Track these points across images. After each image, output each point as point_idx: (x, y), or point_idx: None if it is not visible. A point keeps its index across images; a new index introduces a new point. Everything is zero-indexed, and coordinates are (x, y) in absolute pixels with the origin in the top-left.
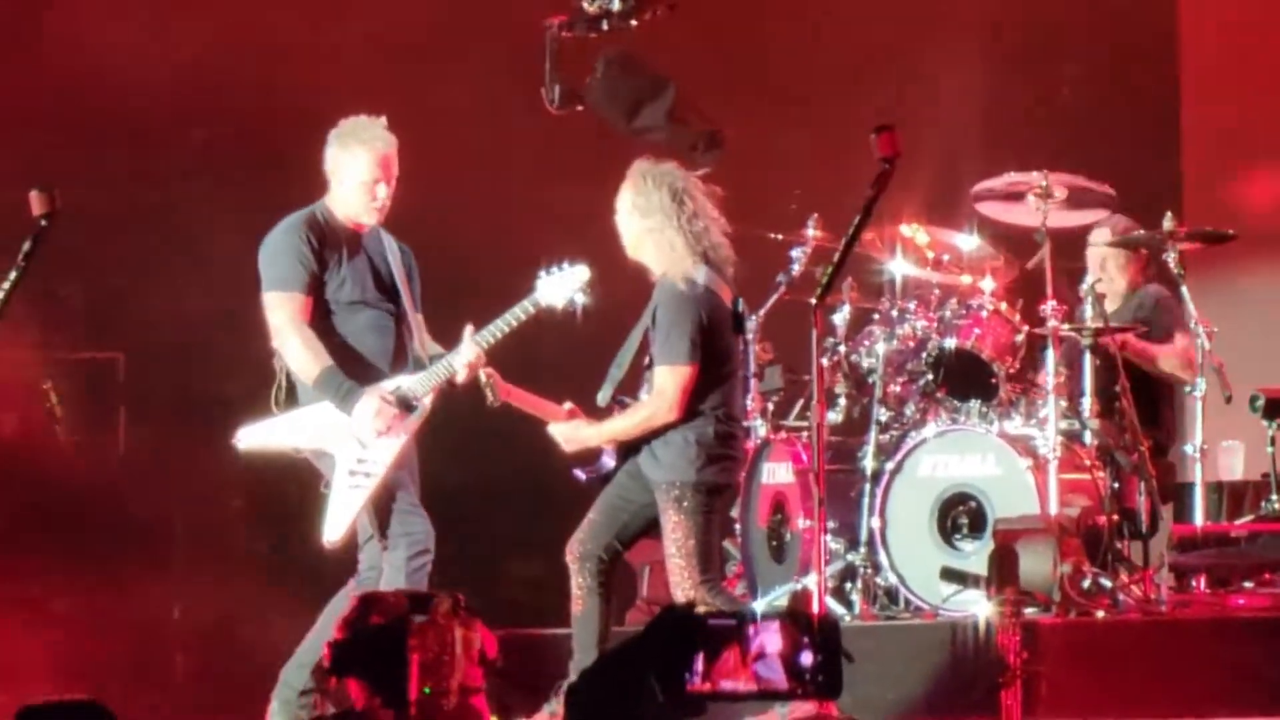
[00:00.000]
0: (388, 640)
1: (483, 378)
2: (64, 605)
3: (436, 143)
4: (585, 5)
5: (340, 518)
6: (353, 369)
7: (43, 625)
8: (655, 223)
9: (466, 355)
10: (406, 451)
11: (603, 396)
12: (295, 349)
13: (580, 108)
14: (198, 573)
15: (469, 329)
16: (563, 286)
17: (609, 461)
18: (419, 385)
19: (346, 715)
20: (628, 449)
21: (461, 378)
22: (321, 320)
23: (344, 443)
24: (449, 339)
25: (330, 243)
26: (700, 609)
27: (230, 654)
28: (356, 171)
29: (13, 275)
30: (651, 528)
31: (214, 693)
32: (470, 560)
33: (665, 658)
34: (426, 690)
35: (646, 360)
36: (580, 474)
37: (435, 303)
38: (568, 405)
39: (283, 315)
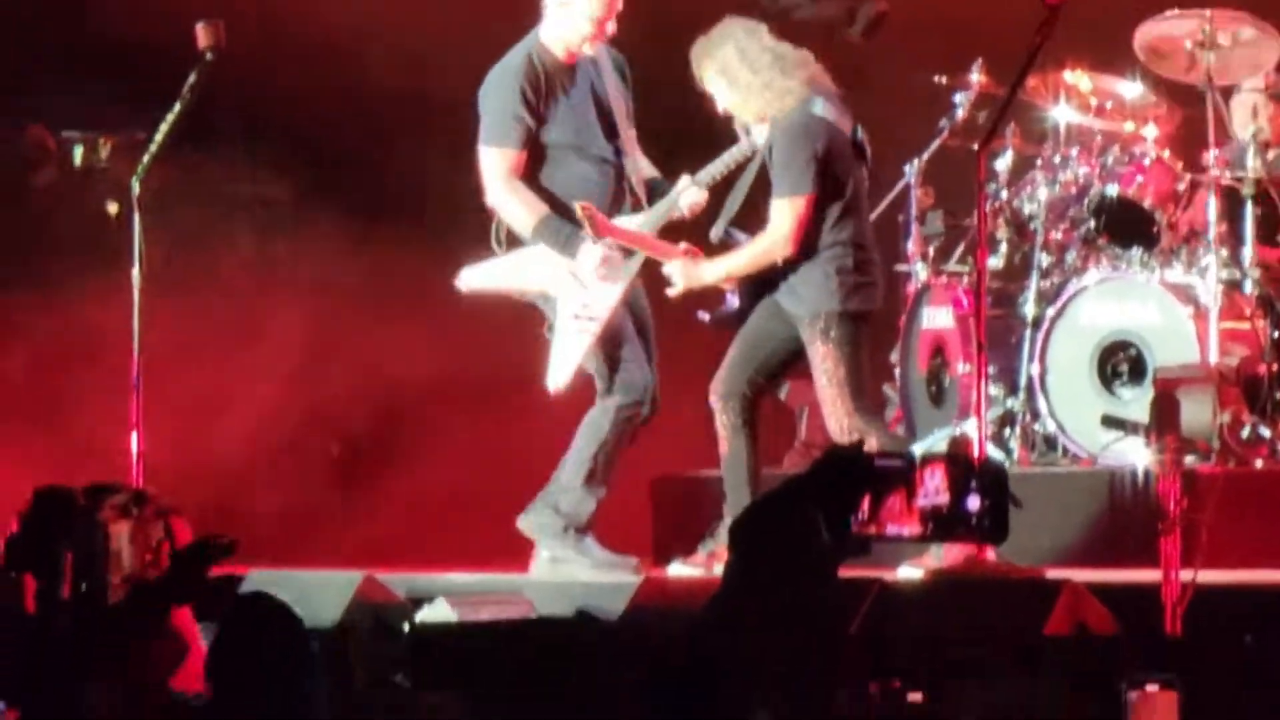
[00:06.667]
0: (46, 540)
1: (578, 211)
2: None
3: None
4: None
5: (565, 364)
6: (568, 217)
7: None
8: (743, 77)
9: (690, 196)
10: (628, 296)
11: (716, 232)
12: (509, 204)
13: None
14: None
15: (685, 177)
16: None
17: (734, 300)
18: (642, 228)
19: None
20: (757, 290)
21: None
22: (537, 168)
23: (567, 287)
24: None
25: (547, 87)
26: (867, 449)
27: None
28: (590, 7)
29: (176, 108)
30: (793, 360)
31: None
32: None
33: (831, 497)
34: (82, 586)
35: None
36: (704, 316)
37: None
38: (683, 245)
39: (496, 172)
